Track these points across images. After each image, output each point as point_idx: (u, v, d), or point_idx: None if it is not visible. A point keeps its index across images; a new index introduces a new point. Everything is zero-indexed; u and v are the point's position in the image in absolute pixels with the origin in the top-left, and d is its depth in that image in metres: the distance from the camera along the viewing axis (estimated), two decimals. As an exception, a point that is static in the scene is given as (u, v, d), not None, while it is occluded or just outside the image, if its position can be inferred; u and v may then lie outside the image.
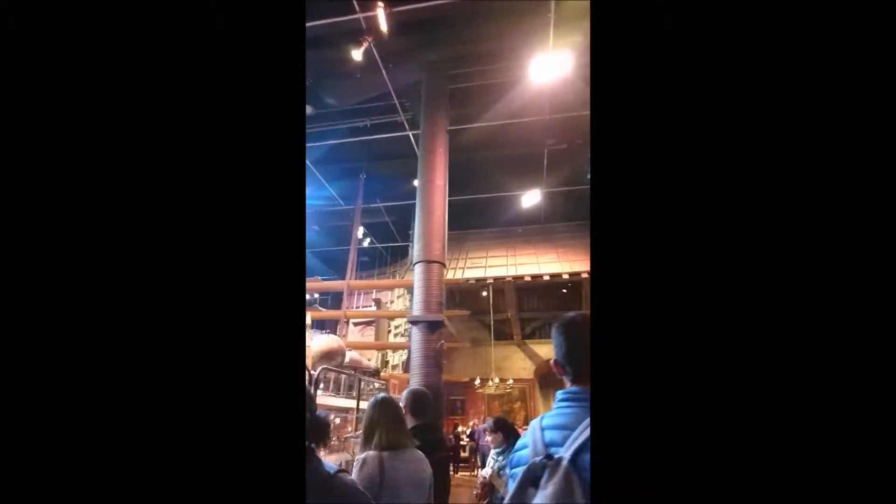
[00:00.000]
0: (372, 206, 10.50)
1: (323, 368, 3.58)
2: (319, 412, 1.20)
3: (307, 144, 8.49)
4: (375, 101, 7.82)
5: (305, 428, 1.09)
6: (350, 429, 4.44)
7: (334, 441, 4.03)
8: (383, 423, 1.67)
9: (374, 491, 1.49)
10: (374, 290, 12.61)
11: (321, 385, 3.70)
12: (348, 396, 4.69)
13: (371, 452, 1.62)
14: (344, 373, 4.49)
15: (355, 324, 11.00)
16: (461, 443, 10.42)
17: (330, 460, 1.62)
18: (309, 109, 7.89)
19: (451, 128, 6.73)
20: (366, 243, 12.12)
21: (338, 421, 4.82)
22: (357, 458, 1.74)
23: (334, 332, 7.88)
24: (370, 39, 5.98)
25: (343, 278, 9.75)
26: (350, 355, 6.19)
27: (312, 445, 1.17)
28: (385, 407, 1.72)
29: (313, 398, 1.20)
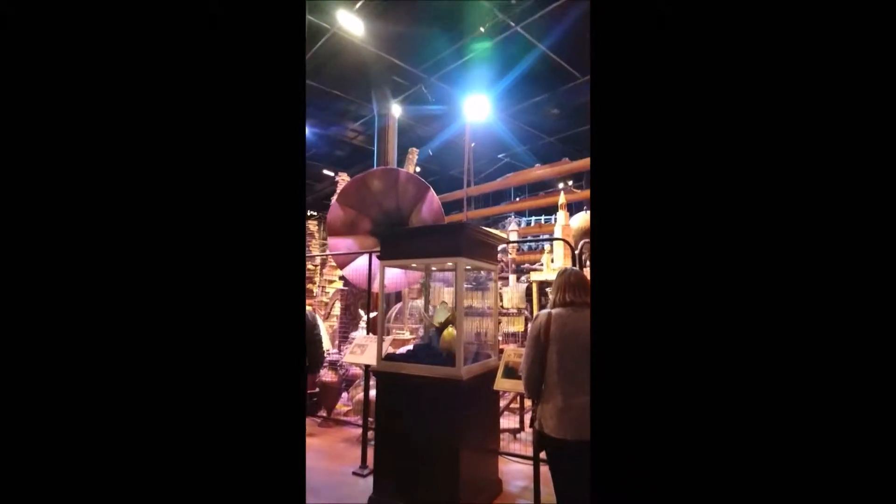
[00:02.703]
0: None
1: (584, 243, 3.41)
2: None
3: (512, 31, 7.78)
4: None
5: None
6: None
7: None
8: (559, 288, 2.04)
9: (540, 338, 1.92)
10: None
11: (586, 261, 3.54)
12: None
13: (544, 311, 2.03)
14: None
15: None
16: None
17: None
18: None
19: None
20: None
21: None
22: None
23: (593, 213, 7.54)
24: None
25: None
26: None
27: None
28: (560, 275, 2.09)
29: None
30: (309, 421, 4.75)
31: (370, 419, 3.69)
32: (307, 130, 11.75)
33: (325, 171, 14.71)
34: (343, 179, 6.88)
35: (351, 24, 8.21)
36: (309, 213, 16.58)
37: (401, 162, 10.05)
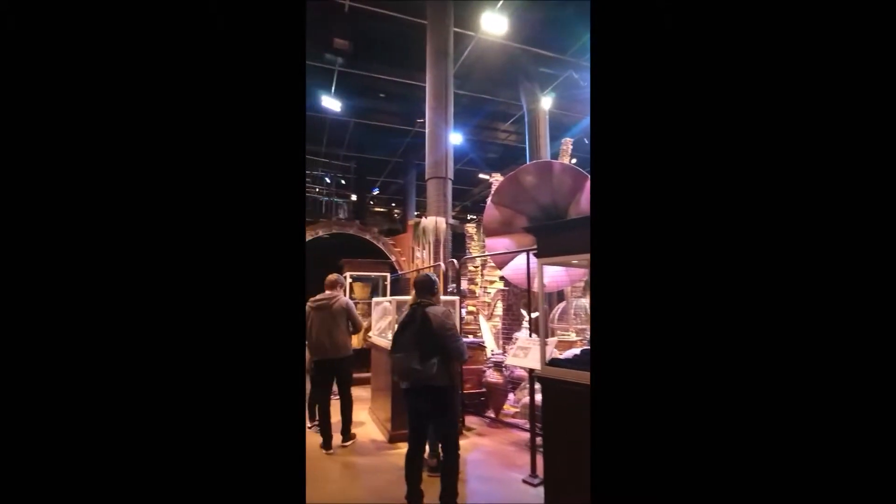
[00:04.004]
0: None
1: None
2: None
3: None
4: None
5: None
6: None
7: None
8: None
9: None
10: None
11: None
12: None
13: None
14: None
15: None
16: None
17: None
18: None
19: None
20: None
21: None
22: None
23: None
24: None
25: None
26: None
27: None
28: None
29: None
30: (478, 421, 4.82)
31: (538, 425, 3.52)
32: (460, 139, 12.22)
33: (481, 175, 15.11)
34: (497, 180, 6.88)
35: (494, 25, 8.21)
36: (468, 217, 17.26)
37: (555, 154, 9.64)
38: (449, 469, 2.62)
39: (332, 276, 4.16)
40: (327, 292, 4.02)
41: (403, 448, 2.80)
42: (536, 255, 2.80)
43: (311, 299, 4.00)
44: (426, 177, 7.32)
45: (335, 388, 4.09)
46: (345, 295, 4.49)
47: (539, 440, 3.52)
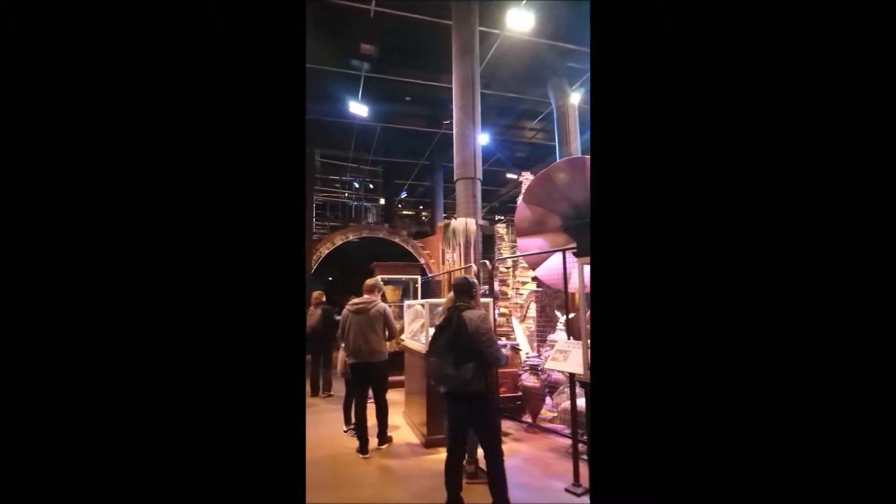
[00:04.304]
0: None
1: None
2: None
3: None
4: None
5: None
6: None
7: None
8: None
9: None
10: None
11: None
12: None
13: None
14: None
15: None
16: None
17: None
18: None
19: None
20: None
21: None
22: None
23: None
24: None
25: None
26: None
27: None
28: None
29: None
30: (514, 426, 4.70)
31: (580, 431, 3.39)
32: (487, 139, 12.11)
33: (509, 175, 14.94)
34: (527, 179, 6.76)
35: (519, 22, 8.08)
36: (496, 218, 17.11)
37: (586, 150, 9.41)
38: (495, 478, 2.55)
39: (371, 281, 4.15)
40: (365, 296, 4.02)
41: (440, 452, 2.74)
42: (576, 255, 2.69)
43: (350, 302, 4.01)
44: (454, 177, 7.25)
45: (370, 392, 4.07)
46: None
47: (581, 447, 3.38)
